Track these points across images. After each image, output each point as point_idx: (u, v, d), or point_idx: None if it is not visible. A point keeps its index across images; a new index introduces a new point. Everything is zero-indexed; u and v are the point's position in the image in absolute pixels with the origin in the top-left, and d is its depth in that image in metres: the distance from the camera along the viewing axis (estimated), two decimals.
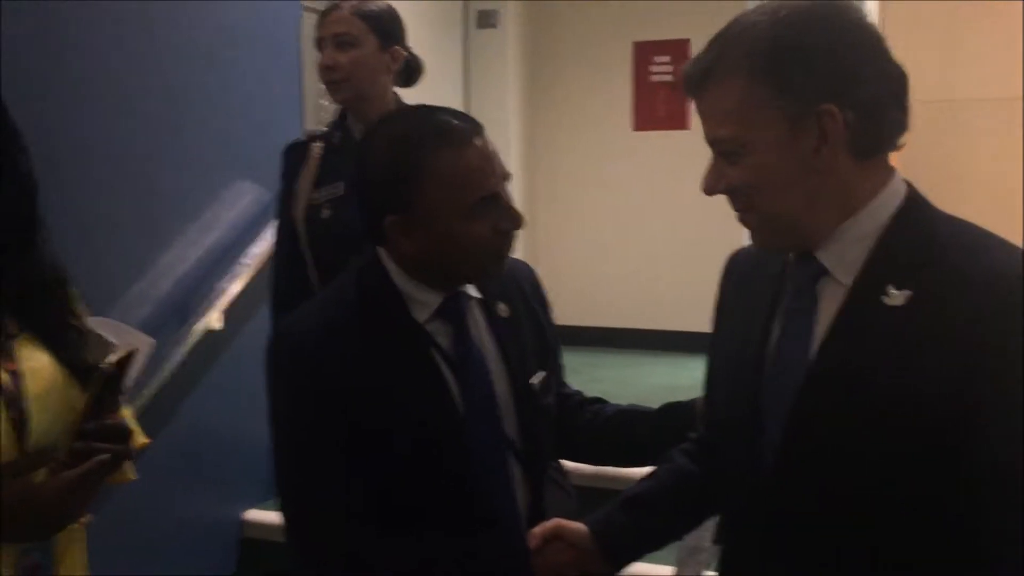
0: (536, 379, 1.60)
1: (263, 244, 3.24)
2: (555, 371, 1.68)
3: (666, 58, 5.29)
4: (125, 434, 1.26)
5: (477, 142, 1.45)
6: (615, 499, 1.48)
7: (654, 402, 1.74)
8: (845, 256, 1.21)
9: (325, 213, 2.31)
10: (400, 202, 1.43)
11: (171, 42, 3.07)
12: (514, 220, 1.48)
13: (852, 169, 1.19)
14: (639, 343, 5.49)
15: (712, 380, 1.44)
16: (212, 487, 3.26)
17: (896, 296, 1.16)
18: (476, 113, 5.63)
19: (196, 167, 3.16)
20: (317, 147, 2.37)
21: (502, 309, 1.58)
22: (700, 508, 1.50)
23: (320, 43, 2.32)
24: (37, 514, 1.20)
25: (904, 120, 1.21)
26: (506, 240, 1.49)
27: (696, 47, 5.02)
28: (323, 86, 3.65)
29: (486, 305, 1.57)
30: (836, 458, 1.18)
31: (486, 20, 5.31)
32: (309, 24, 3.64)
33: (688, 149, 5.43)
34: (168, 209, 3.08)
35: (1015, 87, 4.41)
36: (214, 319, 3.09)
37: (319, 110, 3.67)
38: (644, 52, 5.33)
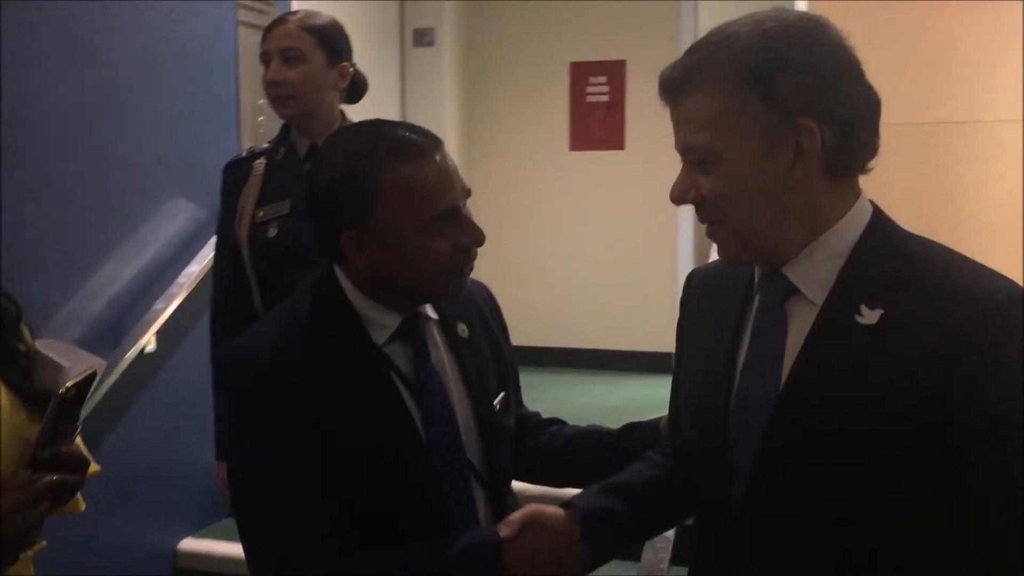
0: (497, 400, 1.57)
1: (199, 263, 3.16)
2: (514, 392, 1.66)
3: (602, 79, 5.32)
4: (80, 463, 1.19)
5: (436, 156, 1.42)
6: (593, 485, 1.43)
7: (590, 421, 1.73)
8: (814, 275, 1.20)
9: (271, 232, 2.25)
10: (356, 216, 1.39)
11: (102, 55, 2.97)
12: (475, 236, 1.44)
13: (823, 188, 1.19)
14: (574, 362, 5.49)
15: (678, 399, 1.43)
16: (145, 516, 3.15)
17: (869, 315, 1.15)
18: None
19: (130, 183, 3.06)
20: (259, 164, 2.31)
21: (462, 330, 1.55)
22: (676, 507, 1.47)
23: (265, 57, 2.25)
24: None
25: (876, 143, 1.21)
26: (466, 257, 1.45)
27: (632, 68, 5.09)
28: (260, 102, 3.60)
29: (445, 326, 1.53)
30: (810, 477, 1.17)
31: (422, 38, 5.28)
32: (245, 39, 3.57)
33: (624, 169, 5.50)
34: (101, 226, 2.98)
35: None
36: (148, 341, 2.99)
37: (256, 126, 3.60)
38: (580, 73, 5.35)
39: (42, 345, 1.32)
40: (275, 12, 3.72)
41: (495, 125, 5.51)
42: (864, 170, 1.23)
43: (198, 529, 3.27)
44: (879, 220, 1.23)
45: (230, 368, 1.43)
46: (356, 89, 2.38)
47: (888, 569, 1.15)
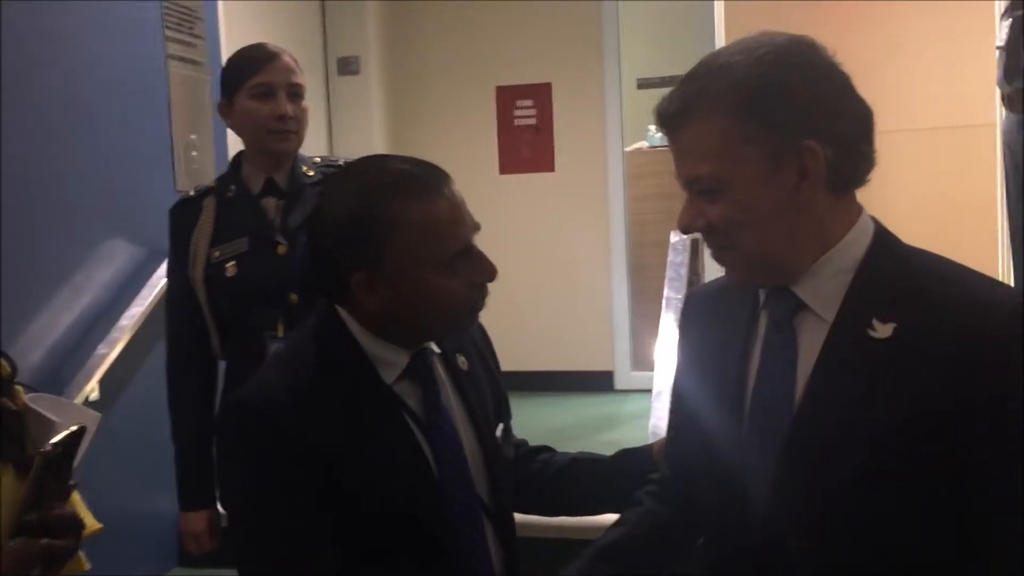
0: (498, 432, 1.55)
1: (140, 304, 3.06)
2: (508, 422, 1.64)
3: (529, 102, 5.34)
4: (73, 525, 1.10)
5: (447, 192, 1.39)
6: (588, 549, 1.42)
7: (540, 443, 1.73)
8: (823, 291, 1.22)
9: (230, 271, 2.19)
10: (369, 257, 1.35)
11: (27, 97, 2.86)
12: (489, 272, 1.42)
13: (828, 205, 1.21)
14: (514, 385, 5.40)
15: (683, 421, 1.42)
16: (95, 566, 3.01)
17: (882, 328, 1.17)
18: None
19: (65, 224, 2.95)
20: (209, 202, 2.24)
21: (462, 362, 1.53)
22: (673, 549, 1.47)
23: (267, 89, 2.17)
24: None
25: (873, 156, 1.24)
26: (480, 294, 1.43)
27: (558, 91, 5.14)
28: (192, 136, 3.52)
29: (446, 359, 1.51)
30: (830, 494, 1.18)
31: (347, 67, 5.23)
32: (175, 73, 3.49)
33: (555, 191, 5.52)
34: (32, 277, 2.85)
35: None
36: (92, 389, 2.87)
37: (190, 161, 3.51)
38: (507, 97, 5.37)
39: (31, 400, 1.25)
40: (202, 45, 3.65)
41: (423, 151, 5.45)
42: (863, 183, 1.25)
43: None
44: (882, 234, 1.25)
45: (240, 418, 1.36)
46: None
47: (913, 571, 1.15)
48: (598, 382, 5.30)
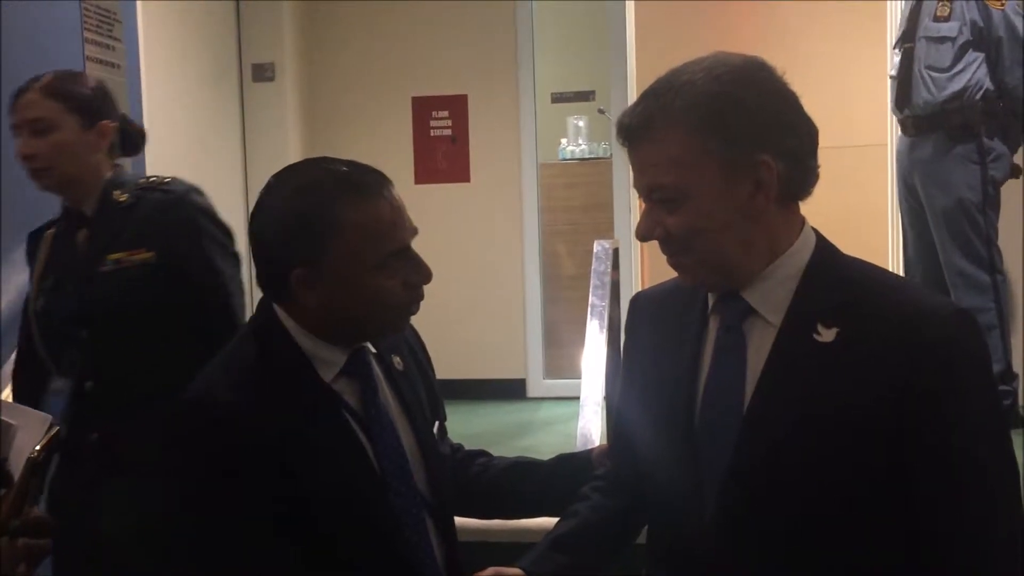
0: (435, 430, 1.61)
1: None
2: (443, 421, 1.69)
3: (444, 113, 5.40)
4: (47, 528, 1.14)
5: (387, 194, 1.44)
6: (541, 541, 1.47)
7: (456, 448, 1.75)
8: (771, 297, 1.29)
9: (39, 303, 2.15)
10: (308, 254, 1.39)
11: None
12: (424, 274, 1.48)
13: (778, 215, 1.29)
14: None
15: (631, 419, 1.47)
16: None
17: (826, 333, 1.25)
18: (255, 167, 5.44)
19: None
20: (50, 234, 2.20)
21: (397, 362, 1.58)
22: (622, 540, 1.53)
23: (15, 130, 2.11)
24: None
25: (818, 170, 1.32)
26: (415, 294, 1.48)
27: (473, 103, 5.21)
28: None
29: (381, 359, 1.56)
30: (780, 490, 1.24)
31: (261, 74, 5.20)
32: (93, 76, 3.44)
33: (470, 201, 5.59)
34: None
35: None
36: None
37: None
38: (423, 107, 5.42)
39: None
40: (121, 48, 3.61)
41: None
42: (809, 195, 1.33)
43: None
44: (823, 244, 1.34)
45: (186, 417, 1.39)
46: (131, 141, 2.27)
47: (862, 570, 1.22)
48: (511, 390, 5.37)
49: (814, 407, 1.23)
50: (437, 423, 1.63)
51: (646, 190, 1.29)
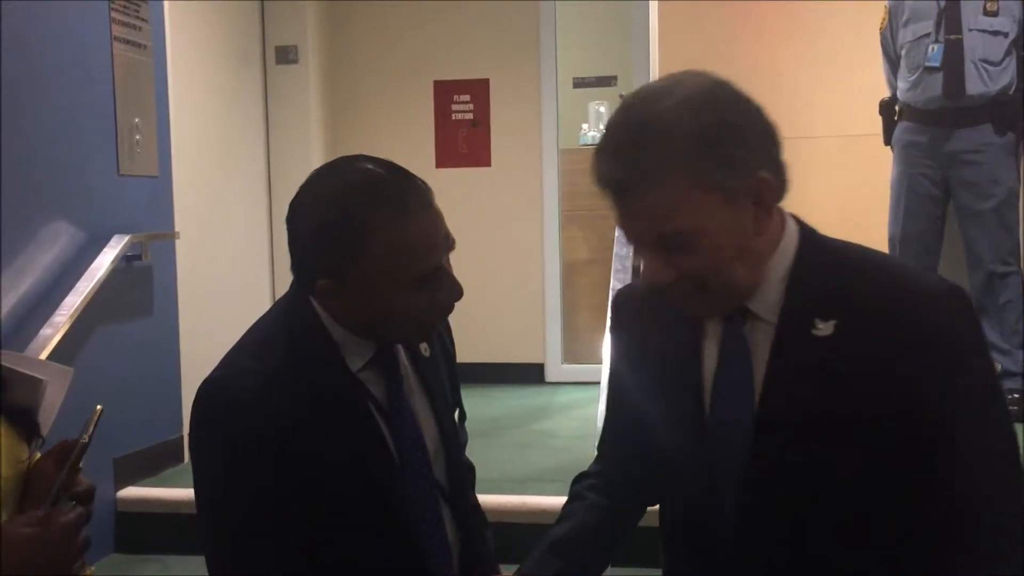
0: (456, 416, 1.62)
1: (83, 289, 3.05)
2: (461, 405, 1.70)
3: (466, 97, 5.41)
4: (89, 494, 1.22)
5: (427, 210, 1.38)
6: (538, 544, 1.45)
7: (474, 431, 1.73)
8: (767, 297, 1.28)
9: None
10: (337, 269, 1.36)
11: None
12: (454, 293, 1.43)
13: (769, 220, 1.27)
14: None
15: (626, 415, 1.47)
16: None
17: (824, 327, 1.24)
18: (277, 148, 5.45)
19: (7, 207, 2.92)
20: None
21: (424, 349, 1.57)
22: (618, 539, 1.52)
23: None
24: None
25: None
26: (442, 312, 1.46)
27: (495, 88, 5.20)
28: (137, 120, 3.50)
29: (409, 347, 1.56)
30: (799, 484, 1.24)
31: (285, 56, 5.23)
32: (120, 55, 3.47)
33: (491, 186, 5.60)
34: None
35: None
36: None
37: (134, 145, 3.50)
38: (444, 91, 5.43)
39: (4, 360, 1.29)
40: (147, 29, 3.64)
41: (361, 143, 5.50)
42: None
43: None
44: (807, 233, 1.31)
45: (212, 402, 1.39)
46: None
47: (888, 561, 1.23)
48: (529, 374, 5.39)
49: (822, 404, 1.23)
50: (459, 409, 1.63)
51: (649, 237, 1.24)
